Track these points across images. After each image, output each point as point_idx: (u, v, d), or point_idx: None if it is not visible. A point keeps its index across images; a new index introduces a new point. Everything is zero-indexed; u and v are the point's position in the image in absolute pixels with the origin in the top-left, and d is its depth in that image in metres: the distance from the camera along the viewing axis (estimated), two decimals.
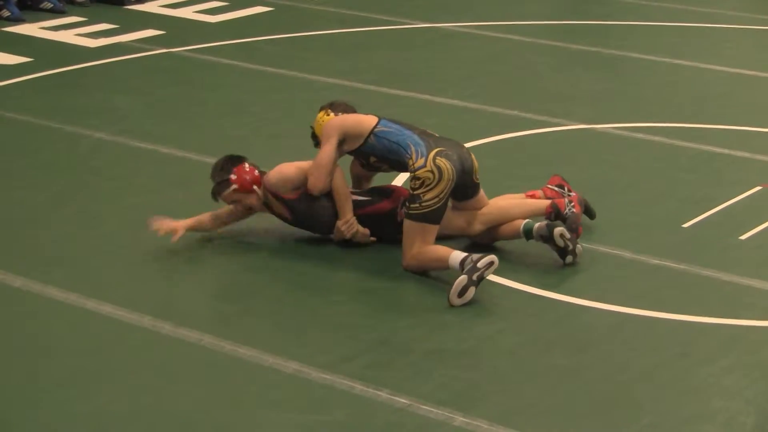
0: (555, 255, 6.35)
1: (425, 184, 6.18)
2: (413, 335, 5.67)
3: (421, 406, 5.06)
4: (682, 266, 6.41)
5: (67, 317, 5.75)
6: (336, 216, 6.43)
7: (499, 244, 6.59)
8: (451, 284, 5.93)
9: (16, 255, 6.38)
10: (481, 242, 6.50)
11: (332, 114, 6.58)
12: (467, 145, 8.03)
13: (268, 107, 8.87)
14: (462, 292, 5.90)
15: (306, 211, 6.46)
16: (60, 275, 6.11)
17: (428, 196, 6.18)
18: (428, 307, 5.94)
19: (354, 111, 6.65)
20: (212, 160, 7.61)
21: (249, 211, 6.56)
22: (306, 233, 6.56)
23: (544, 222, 6.37)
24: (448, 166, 6.21)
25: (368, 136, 6.36)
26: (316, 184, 6.34)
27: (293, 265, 6.34)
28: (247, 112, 8.76)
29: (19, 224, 6.77)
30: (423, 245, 6.18)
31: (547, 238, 6.29)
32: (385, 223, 6.47)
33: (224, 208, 6.55)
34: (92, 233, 6.62)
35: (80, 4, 11.56)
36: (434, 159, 6.21)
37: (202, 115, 8.68)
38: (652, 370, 5.40)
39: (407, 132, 6.35)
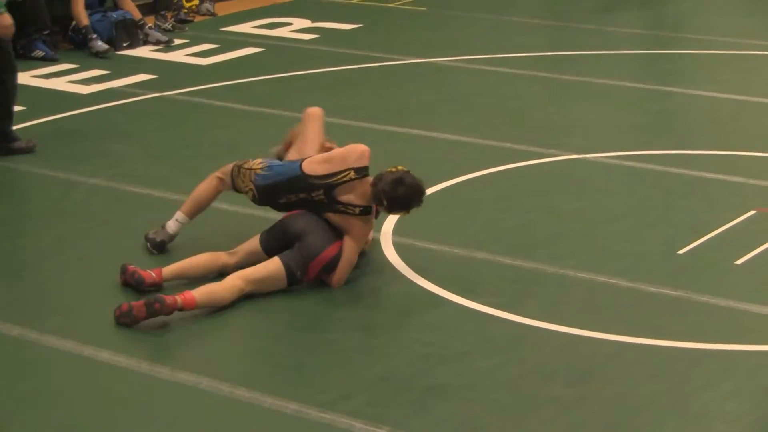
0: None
1: None
2: (412, 371, 5.66)
3: None
4: (678, 293, 6.40)
5: (64, 365, 5.74)
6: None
7: (499, 276, 6.62)
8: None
9: (12, 304, 6.37)
10: None
11: None
12: (463, 178, 8.10)
13: (261, 147, 8.85)
14: None
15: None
16: (57, 323, 6.10)
17: None
18: (427, 342, 5.93)
19: None
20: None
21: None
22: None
23: None
24: None
25: None
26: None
27: (289, 304, 6.33)
28: (240, 153, 8.73)
29: (15, 273, 6.77)
30: None
31: None
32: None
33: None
34: (88, 279, 6.61)
35: (103, 54, 11.49)
36: None
37: (195, 157, 8.69)
38: (653, 398, 5.39)
39: None
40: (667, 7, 14.01)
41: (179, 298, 6.09)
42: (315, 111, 7.07)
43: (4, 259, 6.96)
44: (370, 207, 6.51)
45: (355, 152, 6.58)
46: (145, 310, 6.01)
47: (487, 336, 6.00)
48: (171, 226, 6.93)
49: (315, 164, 6.59)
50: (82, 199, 7.90)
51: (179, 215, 6.94)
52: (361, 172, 6.52)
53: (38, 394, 5.50)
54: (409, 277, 6.62)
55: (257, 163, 6.75)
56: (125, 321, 6.04)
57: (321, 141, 6.95)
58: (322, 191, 6.52)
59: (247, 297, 6.35)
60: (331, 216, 6.54)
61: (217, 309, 6.23)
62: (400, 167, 6.54)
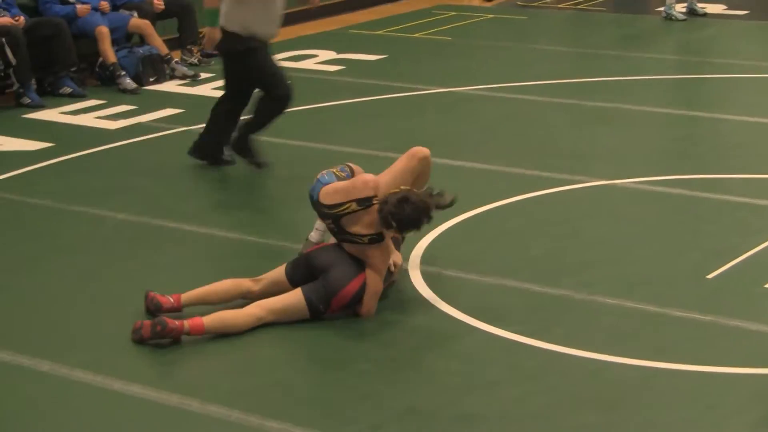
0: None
1: None
2: (440, 401, 5.64)
3: None
4: (708, 318, 6.38)
5: (95, 399, 5.75)
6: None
7: (527, 304, 6.62)
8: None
9: (43, 339, 6.40)
10: None
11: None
12: (490, 206, 8.10)
13: (286, 179, 8.90)
14: None
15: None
16: (87, 357, 6.13)
17: None
18: (453, 372, 5.92)
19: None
20: (235, 236, 7.68)
21: None
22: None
23: None
24: None
25: None
26: None
27: (316, 334, 6.34)
28: (267, 186, 8.81)
29: (46, 308, 6.79)
30: None
31: None
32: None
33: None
34: (117, 314, 6.61)
35: (132, 92, 11.58)
36: None
37: (222, 190, 8.73)
38: (682, 424, 5.36)
39: None
40: (692, 32, 14.01)
41: (187, 323, 6.20)
42: (416, 151, 6.87)
43: (33, 295, 7.00)
44: (380, 234, 6.50)
45: (359, 183, 6.55)
46: (150, 329, 6.18)
47: (515, 364, 5.98)
48: (313, 236, 7.01)
49: (327, 193, 6.58)
50: (110, 235, 7.93)
51: (318, 223, 7.00)
52: (364, 203, 6.49)
53: (70, 429, 5.51)
54: (436, 305, 6.62)
55: (327, 171, 6.74)
56: (135, 338, 6.24)
57: (401, 182, 6.70)
58: (331, 221, 6.54)
59: (274, 328, 6.36)
60: (347, 246, 6.54)
61: (231, 334, 6.27)
62: (402, 187, 6.54)
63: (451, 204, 6.88)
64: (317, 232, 7.02)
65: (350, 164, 6.82)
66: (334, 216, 6.51)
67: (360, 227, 6.47)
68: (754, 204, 8.06)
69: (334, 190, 6.57)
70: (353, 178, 6.62)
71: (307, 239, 7.01)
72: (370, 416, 5.51)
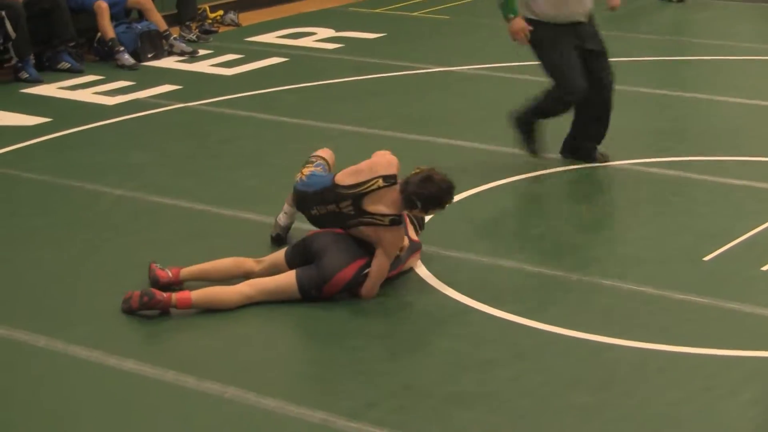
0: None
1: None
2: (434, 379, 5.66)
3: None
4: (704, 300, 6.39)
5: (91, 374, 5.77)
6: None
7: (523, 284, 6.63)
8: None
9: (39, 314, 6.41)
10: None
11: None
12: (487, 186, 8.09)
13: (284, 157, 8.90)
14: None
15: None
16: (83, 333, 6.14)
17: None
18: (449, 351, 5.94)
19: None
20: (230, 213, 7.68)
21: None
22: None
23: None
24: None
25: None
26: None
27: (311, 313, 6.35)
28: (264, 163, 8.81)
29: (42, 283, 6.80)
30: None
31: None
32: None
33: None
34: (113, 289, 6.61)
35: (130, 68, 11.54)
36: None
37: (219, 167, 8.73)
38: (677, 406, 5.38)
39: None
40: (689, 13, 13.99)
41: (174, 296, 6.27)
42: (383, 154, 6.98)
43: (30, 270, 7.00)
44: (400, 216, 6.51)
45: (383, 161, 6.59)
46: (138, 300, 6.25)
47: (511, 344, 6.00)
48: (281, 218, 7.09)
49: (345, 175, 6.59)
50: (107, 210, 7.94)
51: (285, 207, 7.08)
52: (389, 180, 6.51)
53: (65, 404, 5.53)
54: (433, 285, 6.63)
55: (308, 169, 6.79)
56: (124, 308, 6.32)
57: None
58: (350, 201, 6.51)
59: (269, 306, 6.37)
60: (363, 229, 6.53)
61: (219, 311, 6.30)
62: (423, 167, 6.56)
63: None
64: (285, 215, 7.05)
65: (319, 153, 6.97)
66: (355, 195, 6.49)
67: (383, 206, 6.46)
68: (751, 186, 8.07)
69: (355, 170, 6.58)
70: (372, 159, 6.64)
71: (276, 222, 7.06)
72: (365, 393, 5.53)
